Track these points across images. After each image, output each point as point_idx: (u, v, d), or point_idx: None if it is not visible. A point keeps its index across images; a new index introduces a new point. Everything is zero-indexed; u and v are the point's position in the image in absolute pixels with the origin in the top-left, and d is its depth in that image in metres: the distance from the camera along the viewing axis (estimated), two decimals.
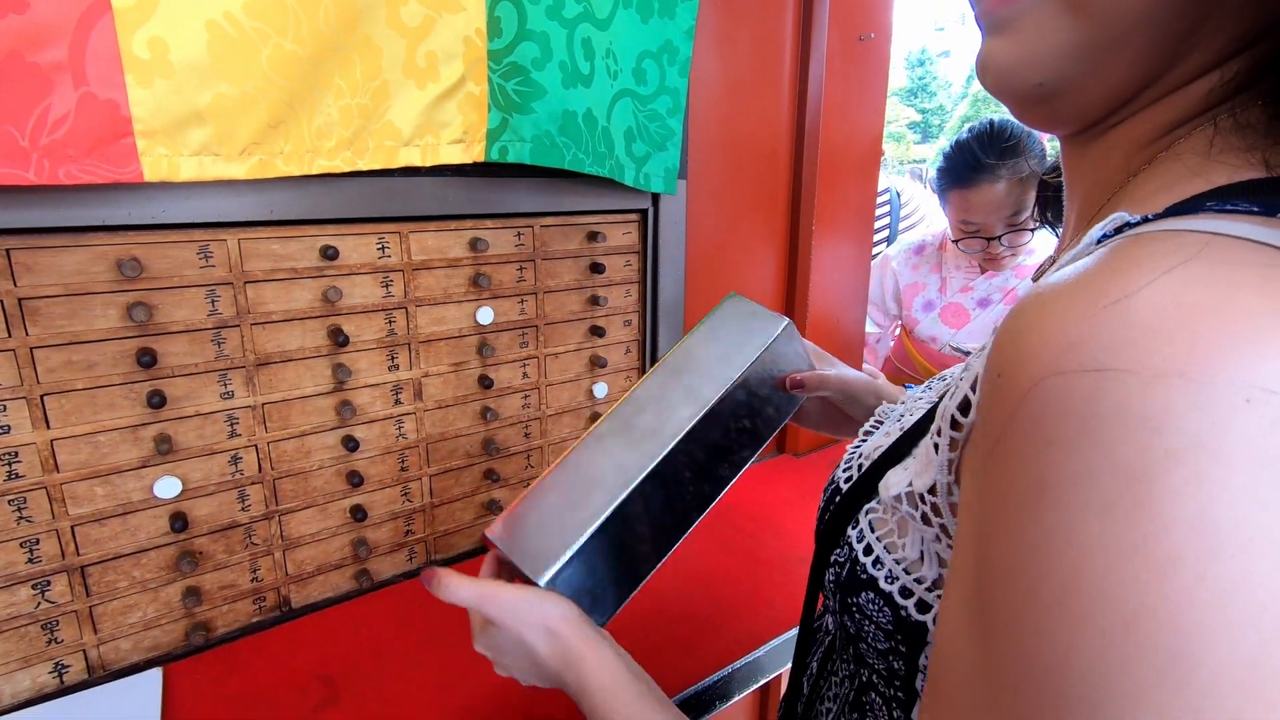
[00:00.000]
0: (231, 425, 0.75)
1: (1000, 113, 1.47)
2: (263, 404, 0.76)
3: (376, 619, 0.82)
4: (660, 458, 0.56)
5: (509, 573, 0.57)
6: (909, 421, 0.40)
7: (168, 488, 0.71)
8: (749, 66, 1.09)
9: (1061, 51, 0.32)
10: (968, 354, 1.46)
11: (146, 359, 0.67)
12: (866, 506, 0.38)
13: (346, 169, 0.73)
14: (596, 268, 0.98)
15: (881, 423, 0.51)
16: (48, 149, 0.57)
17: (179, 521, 0.72)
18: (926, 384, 0.54)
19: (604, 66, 0.84)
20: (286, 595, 0.82)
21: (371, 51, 0.71)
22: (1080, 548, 0.21)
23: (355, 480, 0.83)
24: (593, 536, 0.52)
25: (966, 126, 1.41)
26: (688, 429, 0.57)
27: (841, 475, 0.44)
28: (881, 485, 0.36)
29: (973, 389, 0.30)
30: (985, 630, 0.25)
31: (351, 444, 0.82)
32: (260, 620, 0.81)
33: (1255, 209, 0.25)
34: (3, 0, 0.53)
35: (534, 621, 0.50)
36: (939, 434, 0.32)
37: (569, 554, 0.52)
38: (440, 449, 0.90)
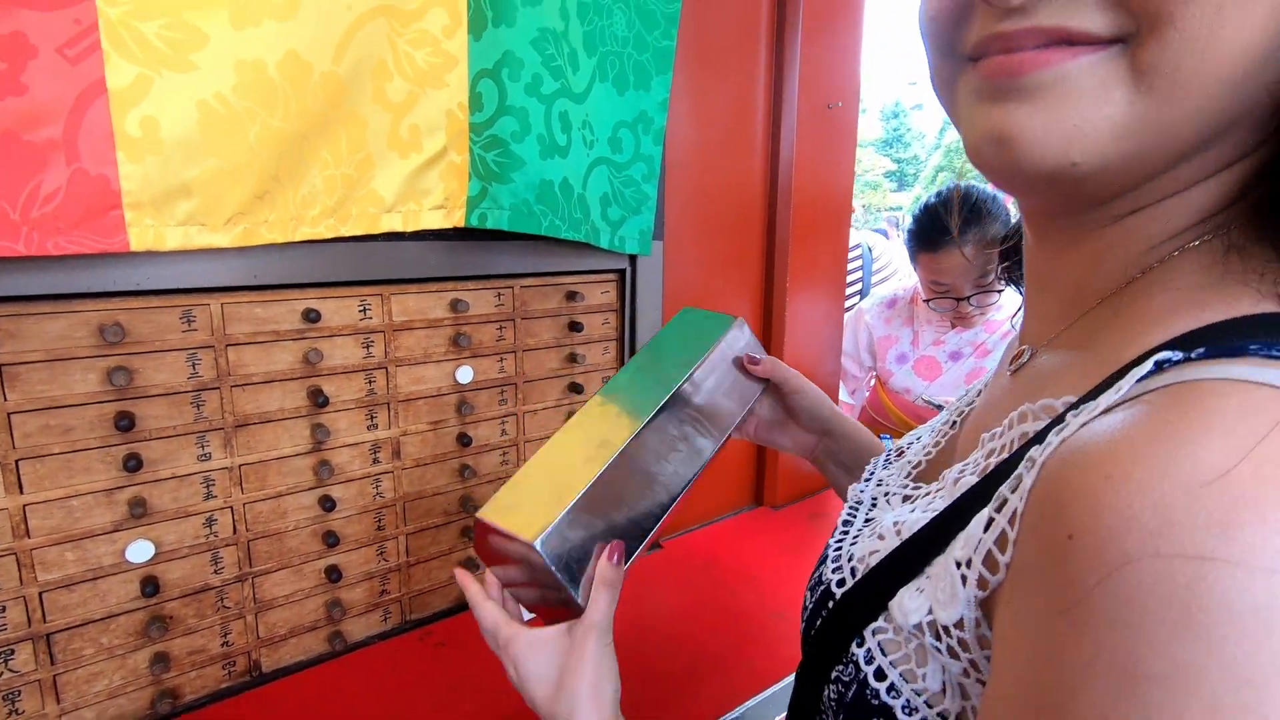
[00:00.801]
0: (208, 487, 0.75)
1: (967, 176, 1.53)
2: (240, 465, 0.77)
3: (349, 682, 0.81)
4: (639, 430, 0.59)
5: (506, 567, 0.57)
6: (908, 525, 0.38)
7: (140, 551, 0.71)
8: (723, 131, 1.15)
9: (1113, 128, 0.29)
10: (939, 407, 1.50)
11: (124, 423, 0.68)
12: (874, 626, 0.35)
13: (330, 235, 0.75)
14: (575, 326, 1.00)
15: (857, 508, 0.50)
16: (38, 222, 0.59)
17: (150, 586, 0.72)
18: (903, 454, 0.53)
19: (580, 137, 0.88)
20: (257, 659, 0.81)
21: (357, 125, 0.74)
22: None
23: (331, 540, 0.83)
24: (582, 498, 0.54)
25: (934, 190, 1.47)
26: (663, 401, 0.61)
27: (833, 577, 0.41)
28: (895, 607, 0.34)
29: (1010, 522, 0.28)
30: None
31: (328, 504, 0.82)
32: (229, 686, 0.79)
33: None
34: (2, 83, 0.55)
35: (556, 678, 0.51)
36: (968, 565, 0.30)
37: (565, 509, 0.53)
38: (417, 507, 0.91)
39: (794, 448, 0.74)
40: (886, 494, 0.49)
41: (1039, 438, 0.31)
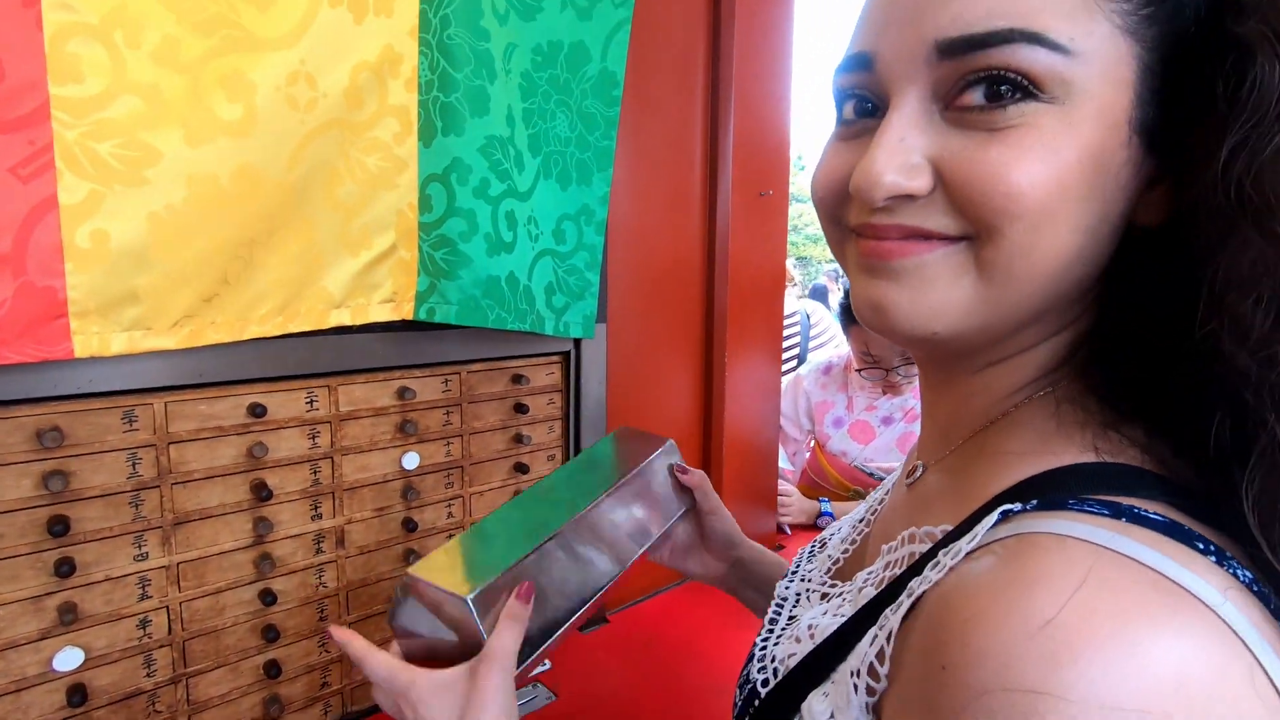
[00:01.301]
0: (143, 587, 0.74)
1: None
2: (178, 563, 0.76)
3: None
4: (573, 519, 0.62)
5: (420, 641, 0.57)
6: (820, 630, 0.42)
7: (68, 659, 0.69)
8: (663, 218, 1.22)
9: (961, 307, 0.36)
10: (871, 475, 1.57)
11: (58, 528, 0.67)
12: None
13: (278, 333, 0.77)
14: (521, 408, 1.03)
15: (782, 605, 0.54)
16: None
17: (77, 695, 0.69)
18: (825, 545, 0.57)
19: (526, 232, 0.93)
20: None
21: (308, 227, 0.77)
22: None
23: (270, 635, 0.82)
24: (516, 566, 0.56)
25: None
26: (597, 498, 0.65)
27: (758, 677, 0.45)
28: (805, 709, 0.38)
29: (887, 640, 0.33)
30: None
31: (269, 597, 0.81)
32: None
33: (1105, 512, 0.31)
34: None
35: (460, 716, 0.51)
36: (858, 675, 0.35)
37: (498, 574, 0.54)
38: (361, 595, 0.90)
39: (705, 574, 0.76)
40: (808, 590, 0.54)
41: (917, 567, 0.36)
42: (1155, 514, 0.31)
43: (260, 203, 0.72)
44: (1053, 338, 0.39)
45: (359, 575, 0.90)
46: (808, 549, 0.61)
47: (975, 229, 0.35)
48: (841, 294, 1.63)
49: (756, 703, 0.44)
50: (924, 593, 0.33)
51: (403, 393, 0.90)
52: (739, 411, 1.35)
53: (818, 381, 1.77)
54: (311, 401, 0.84)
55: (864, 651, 0.35)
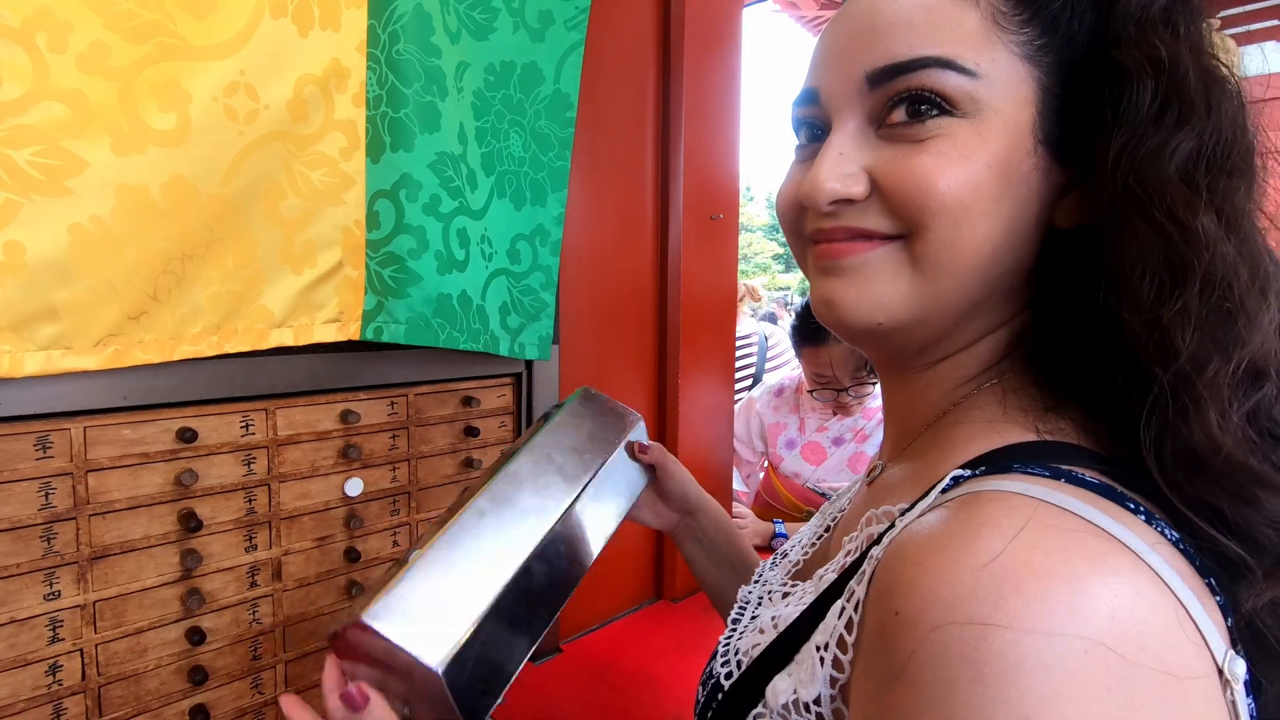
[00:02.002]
0: (54, 629, 0.68)
1: None
2: (94, 601, 0.70)
3: None
4: (545, 534, 0.58)
5: (368, 670, 0.52)
6: (783, 618, 0.43)
7: None
8: (616, 241, 1.22)
9: (901, 299, 0.40)
10: (824, 495, 1.58)
11: None
12: (754, 712, 0.40)
13: (212, 353, 0.73)
14: (471, 431, 1.00)
15: (745, 607, 0.55)
16: None
17: None
18: (787, 555, 0.59)
19: (479, 251, 0.92)
20: None
21: (246, 243, 0.74)
22: None
23: (198, 677, 0.76)
24: (487, 613, 0.51)
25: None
26: (567, 506, 0.61)
27: (721, 670, 0.46)
28: (769, 691, 0.39)
29: (855, 609, 0.35)
30: None
31: (196, 636, 0.76)
32: None
33: (1045, 473, 0.34)
34: None
35: None
36: (825, 648, 0.36)
37: (466, 634, 0.50)
38: (299, 631, 0.85)
39: (656, 523, 0.78)
40: (769, 593, 0.54)
41: (879, 539, 0.38)
42: (1090, 478, 0.34)
43: (195, 216, 0.68)
44: (994, 333, 0.43)
45: (297, 610, 0.85)
46: (770, 561, 0.62)
47: (907, 227, 0.40)
48: (793, 318, 1.65)
49: (721, 695, 0.44)
50: (880, 554, 0.35)
51: (346, 415, 0.87)
52: (692, 434, 1.34)
53: (770, 404, 1.78)
54: (247, 425, 0.79)
55: (831, 625, 0.36)
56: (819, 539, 0.57)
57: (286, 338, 0.78)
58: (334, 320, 0.82)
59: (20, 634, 0.66)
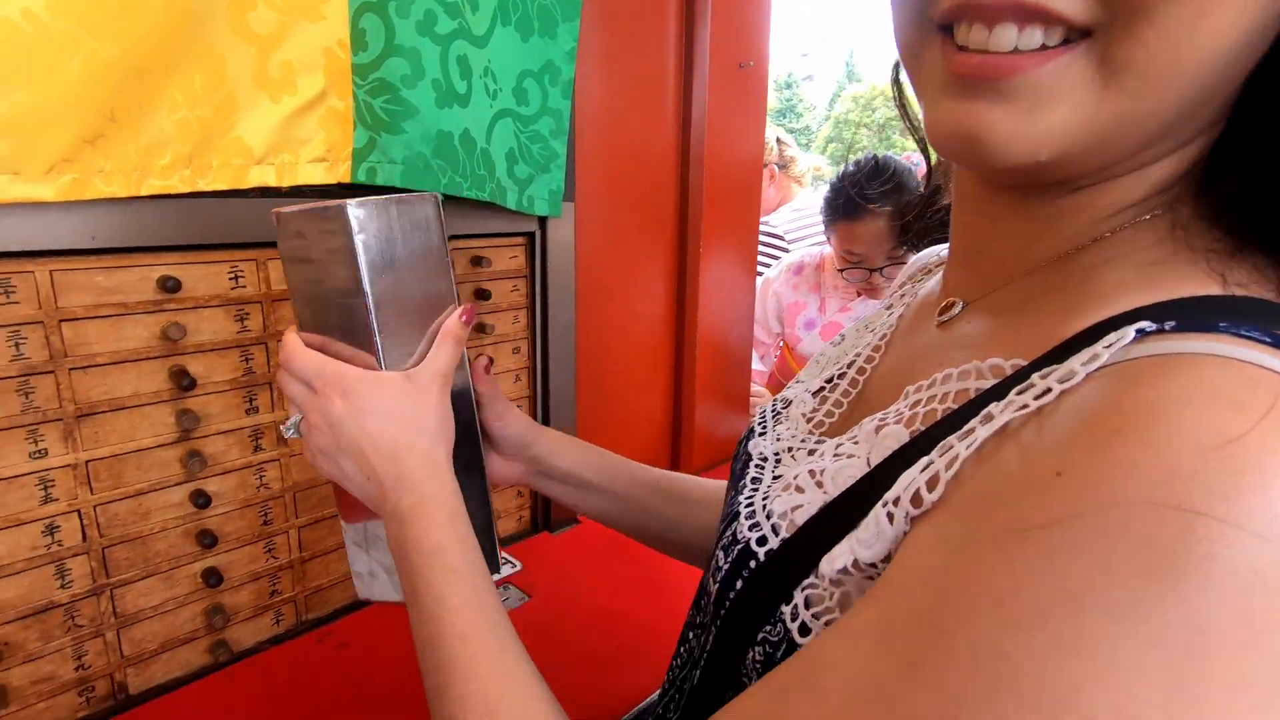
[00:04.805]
0: (45, 489, 0.63)
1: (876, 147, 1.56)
2: (87, 461, 0.65)
3: (238, 694, 0.73)
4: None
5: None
6: (833, 476, 0.37)
7: None
8: (633, 92, 1.09)
9: (1080, 126, 0.29)
10: None
11: None
12: (805, 583, 0.34)
13: (186, 189, 0.64)
14: (482, 294, 0.93)
15: (764, 463, 0.47)
16: None
17: None
18: (790, 405, 0.51)
19: (482, 86, 0.81)
20: (122, 681, 0.71)
21: (214, 60, 0.63)
22: (1111, 667, 0.21)
23: (207, 540, 0.73)
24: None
25: (852, 160, 1.48)
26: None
27: (750, 535, 0.39)
28: (826, 560, 0.33)
29: (947, 466, 0.29)
30: (915, 673, 0.25)
31: (202, 500, 0.72)
32: (88, 715, 0.69)
33: (1267, 340, 0.25)
34: None
35: (400, 415, 0.48)
36: (895, 504, 0.31)
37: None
38: (310, 496, 0.82)
39: (503, 479, 0.66)
40: (790, 449, 0.47)
41: (998, 393, 0.30)
42: None
43: (150, 22, 0.58)
44: (1173, 153, 0.32)
45: (306, 475, 0.81)
46: (769, 408, 0.54)
47: (1111, 14, 0.27)
48: (828, 191, 1.52)
49: (753, 563, 0.38)
50: (1011, 420, 0.28)
51: None
52: (712, 308, 1.27)
53: (789, 282, 1.70)
54: (236, 277, 0.72)
55: (909, 480, 0.31)
56: (845, 395, 0.49)
57: (268, 176, 0.69)
58: (320, 159, 0.72)
59: (9, 493, 0.62)
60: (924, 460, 0.31)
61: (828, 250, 1.65)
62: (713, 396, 1.34)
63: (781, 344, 1.77)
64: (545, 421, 1.04)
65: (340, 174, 0.74)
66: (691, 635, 0.51)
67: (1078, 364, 0.27)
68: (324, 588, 0.85)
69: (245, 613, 0.78)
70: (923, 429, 0.34)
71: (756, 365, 1.80)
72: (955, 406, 0.33)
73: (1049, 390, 0.27)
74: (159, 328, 0.67)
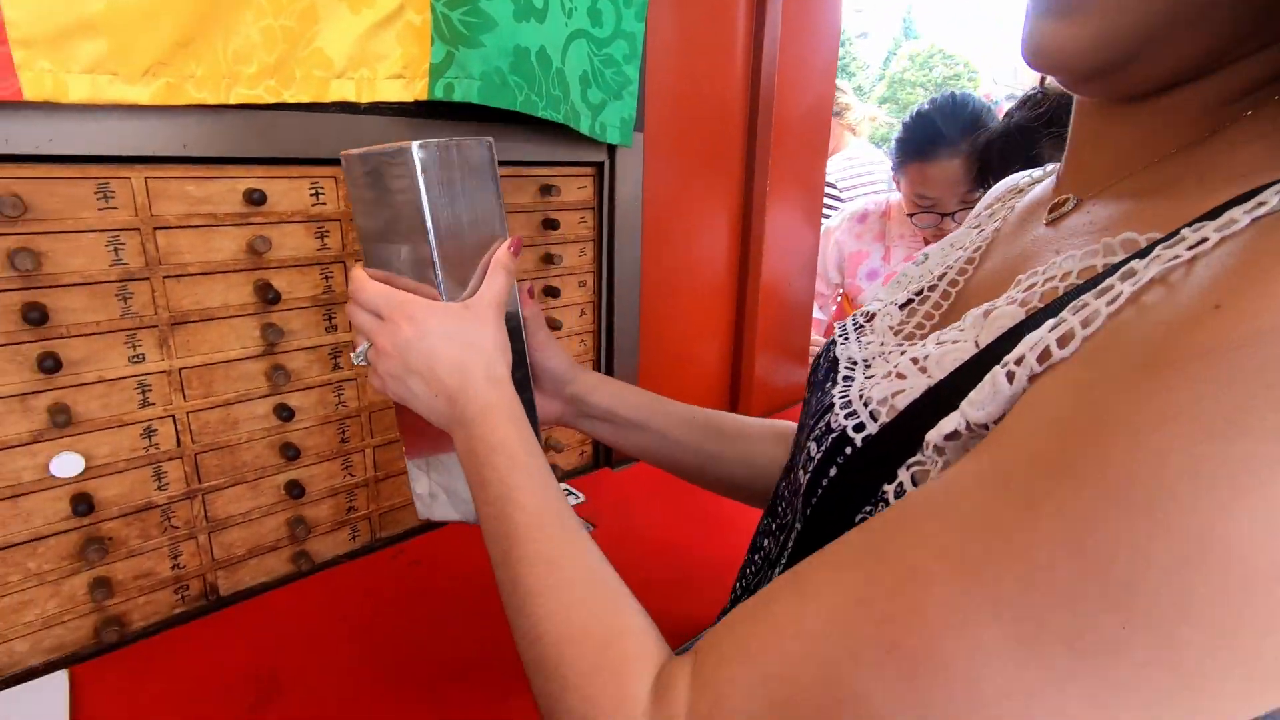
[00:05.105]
0: (143, 393, 0.66)
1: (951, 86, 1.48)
2: (180, 369, 0.67)
3: (316, 604, 0.75)
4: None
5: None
6: (932, 359, 0.36)
7: (67, 465, 0.62)
8: (704, 22, 1.05)
9: (1135, 31, 0.31)
10: None
11: (35, 315, 0.58)
12: (910, 461, 0.34)
13: (271, 100, 0.64)
14: (550, 224, 0.92)
15: (854, 365, 0.46)
16: None
17: (83, 504, 0.63)
18: (873, 318, 0.50)
19: (558, 3, 0.78)
20: (214, 582, 0.74)
21: None
22: (1257, 490, 0.21)
23: (290, 453, 0.75)
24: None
25: (927, 99, 1.41)
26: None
27: (847, 423, 0.39)
28: (934, 431, 0.33)
29: (1082, 324, 0.28)
30: (1034, 509, 0.24)
31: (285, 413, 0.74)
32: (184, 612, 0.72)
33: None
34: None
35: (462, 337, 0.50)
36: (1017, 363, 0.30)
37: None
38: (384, 418, 0.83)
39: (543, 419, 0.68)
40: (881, 353, 0.46)
41: (1140, 255, 0.29)
42: None
43: None
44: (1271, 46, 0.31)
45: (381, 397, 0.82)
46: (850, 321, 0.53)
47: None
48: (900, 130, 1.45)
49: (849, 449, 0.37)
50: (1160, 273, 0.27)
51: None
52: (776, 255, 1.24)
53: (851, 231, 1.65)
54: (317, 194, 0.72)
55: (1034, 339, 0.29)
56: (923, 300, 0.48)
57: (348, 91, 0.69)
58: (398, 76, 0.72)
59: (112, 394, 0.64)
60: (1051, 321, 0.29)
61: (894, 198, 1.59)
62: (773, 347, 1.32)
63: (841, 295, 1.72)
64: (609, 361, 1.04)
65: (418, 90, 0.73)
66: (767, 541, 0.51)
67: (1240, 213, 0.26)
68: (396, 508, 0.87)
69: (324, 526, 0.81)
70: (1040, 306, 0.33)
71: (816, 314, 1.77)
72: (1080, 284, 0.32)
73: (1205, 240, 0.26)
74: (245, 240, 0.68)
